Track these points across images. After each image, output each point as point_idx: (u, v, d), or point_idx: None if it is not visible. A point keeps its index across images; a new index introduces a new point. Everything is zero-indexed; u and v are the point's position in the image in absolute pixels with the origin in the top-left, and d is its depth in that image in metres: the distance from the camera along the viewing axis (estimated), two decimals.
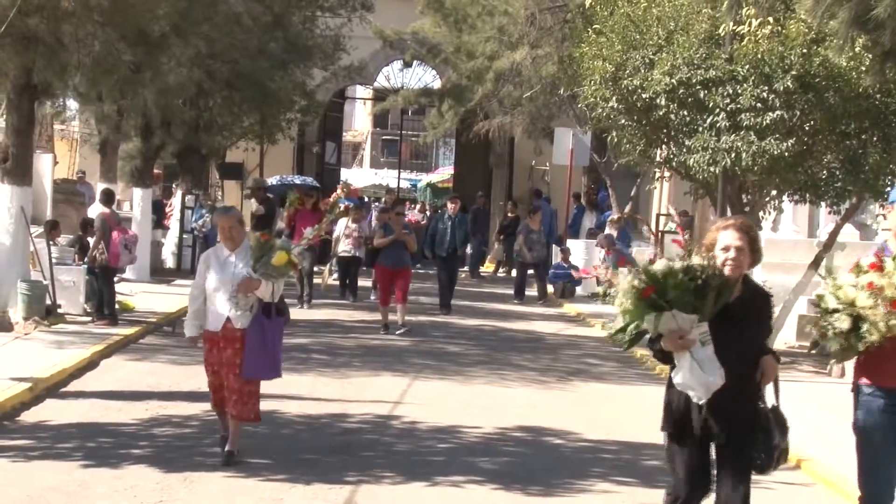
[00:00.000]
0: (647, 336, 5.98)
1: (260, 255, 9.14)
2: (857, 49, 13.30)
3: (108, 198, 18.28)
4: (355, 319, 19.98)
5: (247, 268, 9.16)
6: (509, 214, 32.42)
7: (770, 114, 14.37)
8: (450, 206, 22.78)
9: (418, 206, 39.51)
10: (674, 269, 5.82)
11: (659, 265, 5.86)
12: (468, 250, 28.54)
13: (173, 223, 26.80)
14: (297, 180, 29.19)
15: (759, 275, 17.96)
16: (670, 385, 6.14)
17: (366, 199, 36.82)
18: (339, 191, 24.96)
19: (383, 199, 31.14)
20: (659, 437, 10.62)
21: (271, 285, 9.15)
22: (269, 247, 9.20)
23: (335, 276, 22.96)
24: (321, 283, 21.56)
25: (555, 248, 28.57)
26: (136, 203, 24.21)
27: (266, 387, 12.73)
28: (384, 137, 74.28)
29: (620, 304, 5.90)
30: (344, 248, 22.53)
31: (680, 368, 5.94)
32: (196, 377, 13.25)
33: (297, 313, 19.55)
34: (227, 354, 9.24)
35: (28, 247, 16.91)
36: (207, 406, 11.46)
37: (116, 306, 17.42)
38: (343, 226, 22.58)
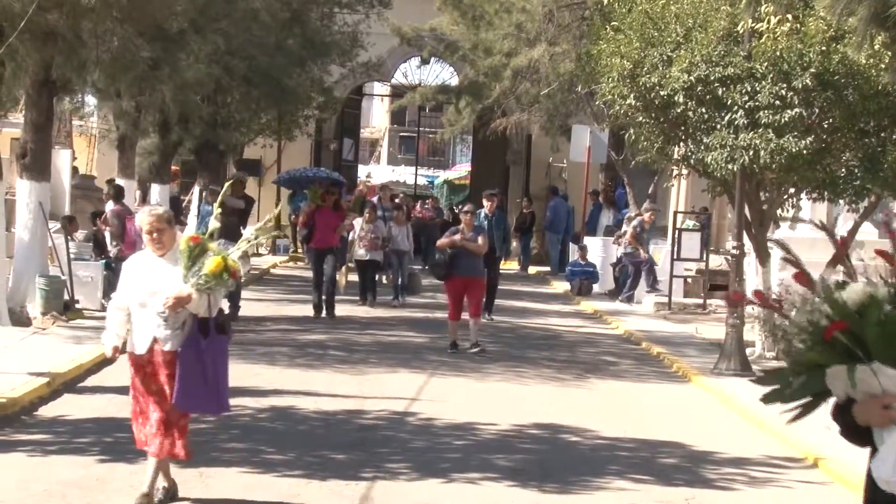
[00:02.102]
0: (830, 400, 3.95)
1: (191, 263, 7.61)
2: (876, 46, 13.26)
3: (118, 193, 18.36)
4: (372, 316, 19.99)
5: (178, 277, 7.68)
6: (524, 211, 32.38)
7: (788, 111, 14.33)
8: (486, 203, 20.05)
9: (430, 202, 39.36)
10: (877, 295, 3.80)
11: (854, 289, 3.86)
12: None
13: (190, 219, 26.85)
14: (323, 173, 28.59)
15: (776, 274, 17.93)
16: (872, 481, 3.89)
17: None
18: (361, 187, 24.58)
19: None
20: (675, 435, 10.60)
21: (206, 298, 7.64)
22: (200, 251, 7.65)
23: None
24: (339, 286, 20.32)
25: (572, 246, 28.57)
26: (153, 199, 24.28)
27: (283, 383, 12.83)
28: (401, 134, 74.27)
29: (789, 349, 3.97)
30: (359, 251, 21.40)
31: (883, 455, 3.80)
32: None
33: (311, 312, 19.51)
34: (158, 382, 7.77)
35: (46, 242, 16.97)
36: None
37: None
38: (358, 227, 21.64)
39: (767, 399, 4.08)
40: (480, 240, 16.13)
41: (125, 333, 7.91)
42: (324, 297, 19.29)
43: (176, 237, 7.84)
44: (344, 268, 20.88)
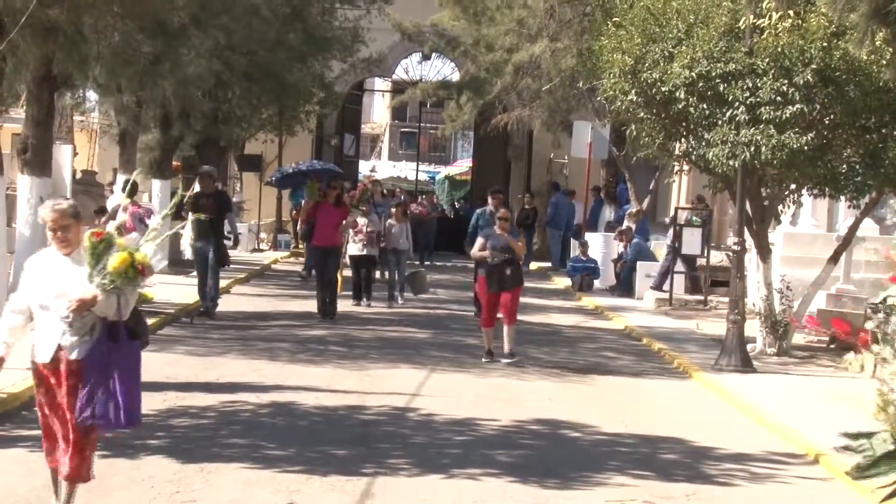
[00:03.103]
0: None
1: (95, 261, 6.89)
2: (877, 43, 13.25)
3: (132, 189, 18.35)
4: (373, 311, 19.97)
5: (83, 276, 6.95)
6: (526, 206, 32.38)
7: (790, 107, 14.33)
8: (491, 201, 19.22)
9: (425, 198, 39.24)
10: None
11: None
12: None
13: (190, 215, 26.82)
14: (317, 165, 28.25)
15: (777, 269, 17.94)
16: None
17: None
18: (366, 182, 24.11)
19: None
20: (675, 431, 10.63)
21: (114, 298, 6.89)
22: (105, 247, 6.91)
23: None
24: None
25: (573, 242, 28.57)
26: (154, 194, 24.28)
27: (284, 379, 12.83)
28: (402, 130, 74.27)
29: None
30: (354, 246, 20.56)
31: None
32: (215, 368, 13.33)
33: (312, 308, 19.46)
34: (62, 393, 7.01)
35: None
36: (225, 397, 11.57)
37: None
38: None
39: (860, 473, 3.33)
40: (519, 242, 15.40)
41: (14, 341, 7.31)
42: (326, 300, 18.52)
43: (81, 234, 7.10)
44: (339, 264, 20.21)
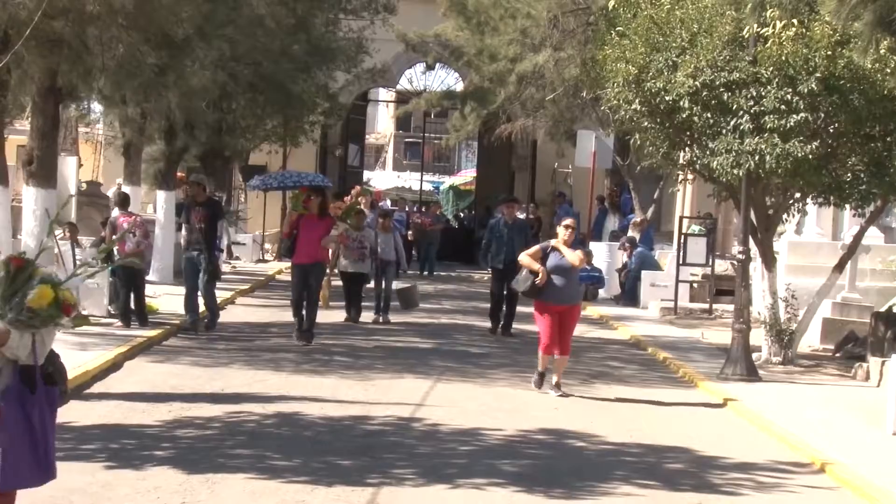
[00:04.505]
0: None
1: (11, 292, 5.91)
2: (881, 51, 13.26)
3: (123, 201, 18.35)
4: (376, 321, 19.93)
5: None
6: (530, 216, 32.38)
7: (794, 116, 14.32)
8: (505, 210, 18.62)
9: (431, 208, 39.10)
10: None
11: None
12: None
13: None
14: (305, 179, 26.46)
15: (782, 278, 17.93)
16: None
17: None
18: (353, 194, 23.38)
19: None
20: (681, 440, 10.62)
21: (29, 338, 5.89)
22: (24, 278, 5.96)
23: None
24: (322, 303, 18.15)
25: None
26: (159, 206, 24.30)
27: (289, 389, 12.83)
28: (407, 140, 74.39)
29: None
30: (345, 261, 19.54)
31: None
32: (219, 379, 13.32)
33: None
34: None
35: (52, 249, 16.95)
36: (230, 408, 11.56)
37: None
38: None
39: None
40: (580, 253, 13.78)
41: None
42: (304, 320, 16.77)
43: None
44: (325, 280, 18.90)
